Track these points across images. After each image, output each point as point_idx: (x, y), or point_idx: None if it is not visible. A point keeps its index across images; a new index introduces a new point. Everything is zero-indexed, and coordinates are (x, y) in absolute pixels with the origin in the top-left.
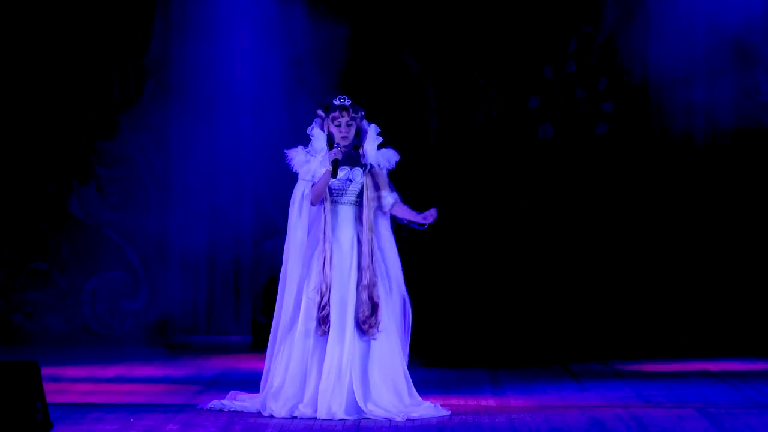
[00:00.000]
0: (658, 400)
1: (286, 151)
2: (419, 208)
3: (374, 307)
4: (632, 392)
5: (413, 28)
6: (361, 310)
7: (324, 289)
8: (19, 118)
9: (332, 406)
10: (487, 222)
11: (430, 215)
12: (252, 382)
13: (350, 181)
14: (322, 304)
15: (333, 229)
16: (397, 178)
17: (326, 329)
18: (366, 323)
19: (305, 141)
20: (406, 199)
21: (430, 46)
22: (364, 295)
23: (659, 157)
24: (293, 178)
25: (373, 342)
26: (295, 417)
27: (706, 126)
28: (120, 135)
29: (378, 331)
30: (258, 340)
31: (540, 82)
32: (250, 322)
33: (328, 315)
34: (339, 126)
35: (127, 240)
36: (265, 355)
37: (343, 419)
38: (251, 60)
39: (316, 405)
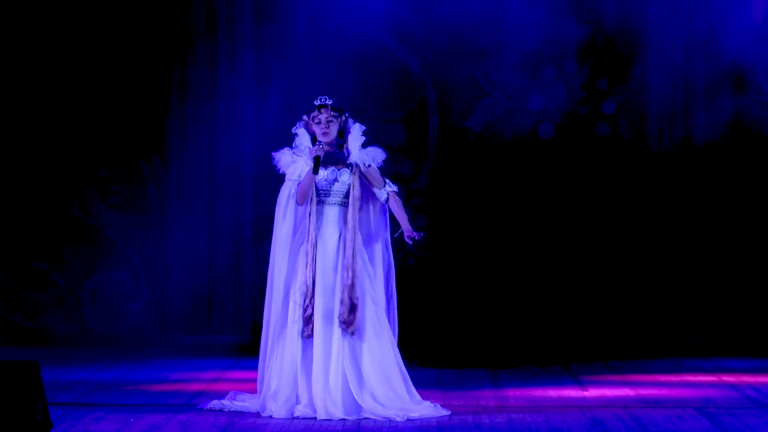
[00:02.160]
0: (657, 400)
1: (272, 153)
2: (422, 209)
3: (353, 308)
4: (632, 392)
5: (413, 27)
6: (342, 310)
7: (306, 290)
8: (19, 118)
9: (328, 406)
10: (487, 222)
11: (417, 235)
12: (252, 382)
13: (336, 180)
14: (305, 305)
15: (318, 229)
16: (398, 179)
17: (311, 331)
18: (345, 323)
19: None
20: (408, 198)
21: (430, 46)
22: (345, 295)
23: (660, 156)
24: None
25: (362, 341)
26: (296, 417)
27: (706, 126)
28: (119, 135)
29: (360, 330)
30: (258, 340)
31: (540, 82)
32: (251, 323)
33: (311, 316)
34: (319, 123)
35: (127, 240)
36: (259, 354)
37: (343, 419)
38: (251, 59)
39: (307, 402)
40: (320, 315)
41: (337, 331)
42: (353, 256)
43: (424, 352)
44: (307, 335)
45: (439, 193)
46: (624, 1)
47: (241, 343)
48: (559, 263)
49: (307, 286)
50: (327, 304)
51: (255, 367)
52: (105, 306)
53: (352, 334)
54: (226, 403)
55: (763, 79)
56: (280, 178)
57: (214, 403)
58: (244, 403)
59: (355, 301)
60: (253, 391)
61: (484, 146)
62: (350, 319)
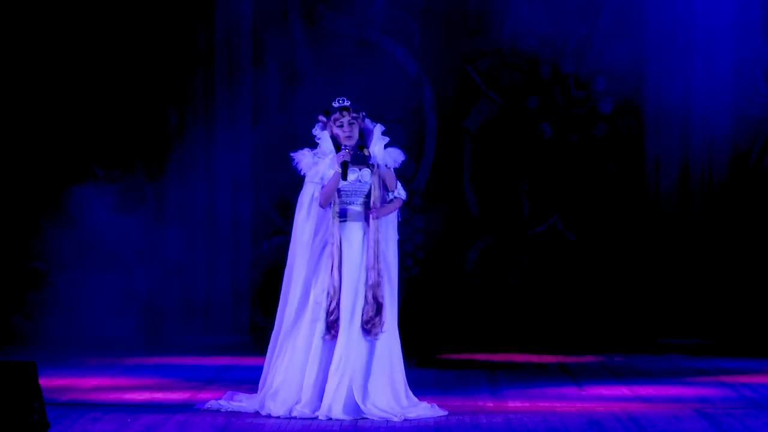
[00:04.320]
0: (655, 400)
1: (291, 154)
2: (420, 209)
3: (378, 307)
4: (630, 392)
5: (410, 27)
6: (366, 310)
7: (332, 292)
8: (18, 118)
9: (333, 406)
10: (486, 221)
11: (373, 215)
12: (250, 383)
13: (359, 181)
14: (331, 309)
15: (342, 230)
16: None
17: (335, 334)
18: (369, 323)
19: (302, 142)
20: (408, 198)
21: (427, 46)
22: (369, 295)
23: (658, 155)
24: (291, 178)
25: (376, 342)
26: (294, 417)
27: (704, 126)
28: (118, 135)
29: (381, 332)
30: (256, 340)
31: (538, 82)
32: (248, 323)
33: (337, 320)
34: (342, 126)
35: (124, 240)
36: (265, 355)
37: (340, 419)
38: (250, 59)
39: (315, 405)
40: (344, 317)
41: (356, 332)
42: (377, 256)
43: (421, 353)
44: (330, 338)
45: (437, 193)
46: (622, 0)
47: (239, 344)
48: (557, 263)
49: (334, 288)
50: (351, 305)
51: (253, 368)
52: (102, 306)
53: (376, 335)
54: (224, 403)
55: (763, 79)
56: (280, 179)
57: (212, 403)
58: (241, 403)
59: (381, 300)
60: (251, 392)
61: (482, 146)
62: (376, 320)
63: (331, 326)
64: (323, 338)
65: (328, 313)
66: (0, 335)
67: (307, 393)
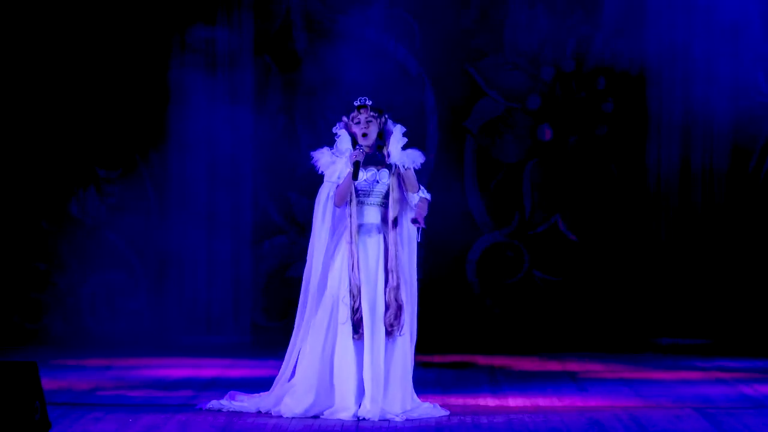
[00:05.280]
0: (656, 400)
1: (311, 152)
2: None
3: (399, 309)
4: (631, 392)
5: (411, 27)
6: (389, 313)
7: (356, 291)
8: (18, 119)
9: (370, 409)
10: (487, 221)
11: (421, 226)
12: (250, 383)
13: (377, 182)
14: (355, 308)
15: (359, 230)
16: None
17: (362, 333)
18: (393, 325)
19: (302, 142)
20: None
21: (429, 46)
22: (391, 297)
23: (658, 155)
24: (292, 177)
25: (393, 345)
26: (314, 415)
27: (705, 126)
28: (118, 135)
29: (400, 335)
30: (256, 341)
31: (539, 82)
32: (249, 323)
33: (361, 319)
34: (359, 123)
35: (125, 240)
36: (286, 352)
37: (341, 419)
38: (250, 60)
39: (352, 405)
40: (368, 317)
41: (381, 332)
42: (396, 258)
43: (422, 353)
44: (359, 337)
45: (438, 193)
46: (623, 0)
47: (240, 344)
48: (557, 263)
49: (358, 287)
50: (372, 306)
51: (253, 367)
52: (104, 306)
53: (395, 338)
54: (225, 403)
55: (763, 79)
56: (279, 179)
57: (213, 403)
58: (243, 403)
59: (401, 302)
60: (251, 392)
61: (483, 146)
62: (397, 322)
63: (358, 326)
64: (352, 338)
65: (353, 312)
66: (1, 335)
67: (343, 394)
